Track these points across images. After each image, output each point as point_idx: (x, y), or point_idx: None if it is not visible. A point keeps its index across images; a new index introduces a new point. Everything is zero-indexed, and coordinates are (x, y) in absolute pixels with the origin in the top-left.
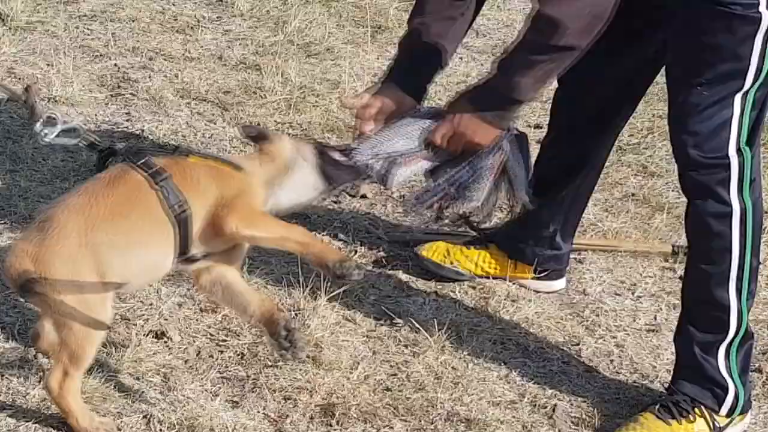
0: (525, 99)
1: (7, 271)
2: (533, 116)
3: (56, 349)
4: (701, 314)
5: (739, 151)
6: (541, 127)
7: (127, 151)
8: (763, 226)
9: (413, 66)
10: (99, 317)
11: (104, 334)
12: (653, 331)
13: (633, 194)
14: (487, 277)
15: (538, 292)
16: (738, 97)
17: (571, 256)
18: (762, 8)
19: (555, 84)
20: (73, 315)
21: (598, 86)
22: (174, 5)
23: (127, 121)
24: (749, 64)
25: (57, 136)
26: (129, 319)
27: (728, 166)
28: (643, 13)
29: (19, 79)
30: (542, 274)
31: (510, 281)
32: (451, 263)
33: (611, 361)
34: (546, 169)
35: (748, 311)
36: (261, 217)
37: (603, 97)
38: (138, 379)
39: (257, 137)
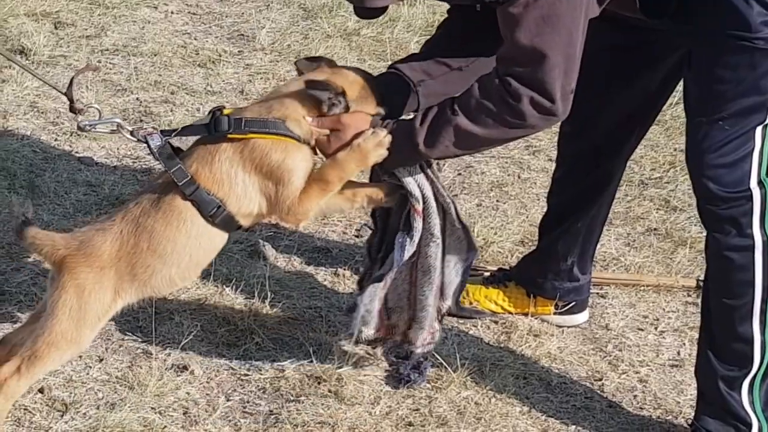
0: (432, 155)
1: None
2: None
3: (23, 344)
4: (725, 348)
5: (760, 183)
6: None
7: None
8: None
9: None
10: (81, 334)
11: (70, 355)
12: (677, 366)
13: (655, 228)
14: (510, 314)
15: (560, 326)
16: (759, 130)
17: (594, 290)
18: None
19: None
20: (59, 311)
21: (606, 116)
22: (196, 39)
23: (149, 155)
24: None
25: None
26: (151, 354)
27: (750, 199)
28: (658, 41)
29: (42, 113)
30: (564, 309)
31: (532, 316)
32: (471, 303)
33: (634, 396)
34: (559, 201)
35: None
36: (306, 200)
37: (612, 126)
38: (160, 413)
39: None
